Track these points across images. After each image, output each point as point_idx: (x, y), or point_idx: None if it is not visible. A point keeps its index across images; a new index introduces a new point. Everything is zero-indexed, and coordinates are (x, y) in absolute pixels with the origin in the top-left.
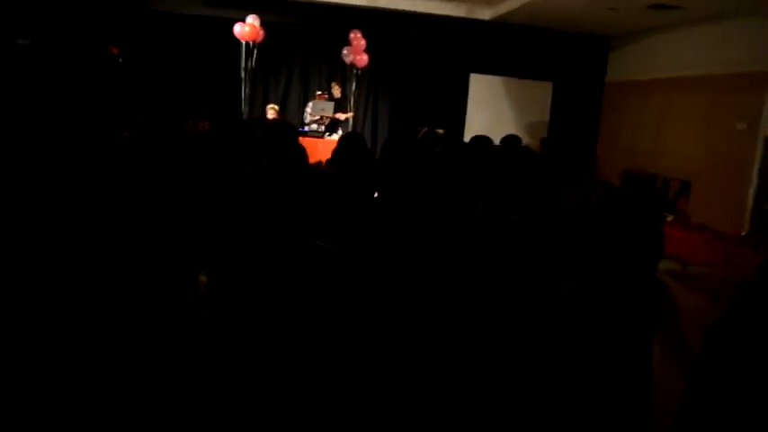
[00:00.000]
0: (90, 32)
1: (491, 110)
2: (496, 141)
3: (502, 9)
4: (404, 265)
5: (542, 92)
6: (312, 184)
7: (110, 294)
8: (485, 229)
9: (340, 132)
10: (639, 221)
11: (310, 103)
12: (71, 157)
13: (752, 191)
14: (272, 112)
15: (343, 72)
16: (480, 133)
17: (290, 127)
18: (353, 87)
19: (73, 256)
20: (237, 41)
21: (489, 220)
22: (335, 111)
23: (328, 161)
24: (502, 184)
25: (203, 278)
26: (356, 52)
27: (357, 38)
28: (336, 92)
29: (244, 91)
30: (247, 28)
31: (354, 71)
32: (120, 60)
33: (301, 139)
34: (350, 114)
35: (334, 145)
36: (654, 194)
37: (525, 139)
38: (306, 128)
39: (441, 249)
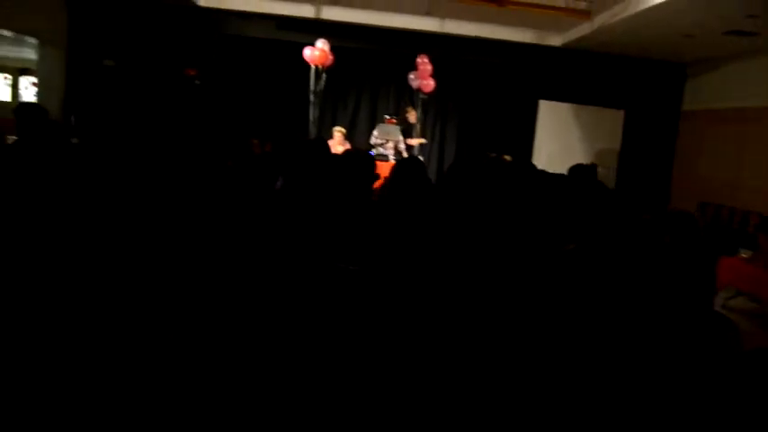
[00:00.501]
0: (169, 55)
1: (560, 137)
2: (564, 169)
3: (572, 35)
4: (456, 290)
5: (613, 120)
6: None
7: (152, 306)
8: (538, 258)
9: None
10: (684, 257)
11: (378, 127)
12: (146, 170)
13: None
14: (338, 134)
15: (410, 97)
16: (549, 160)
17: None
18: (419, 112)
19: (123, 266)
20: (307, 65)
21: (544, 248)
22: (407, 136)
23: (383, 185)
24: (560, 212)
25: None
26: (423, 77)
27: (424, 63)
28: (412, 117)
29: (312, 113)
30: (317, 52)
31: (421, 96)
32: (197, 82)
33: None
34: (422, 140)
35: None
36: (696, 230)
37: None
38: (372, 151)
39: (492, 276)
